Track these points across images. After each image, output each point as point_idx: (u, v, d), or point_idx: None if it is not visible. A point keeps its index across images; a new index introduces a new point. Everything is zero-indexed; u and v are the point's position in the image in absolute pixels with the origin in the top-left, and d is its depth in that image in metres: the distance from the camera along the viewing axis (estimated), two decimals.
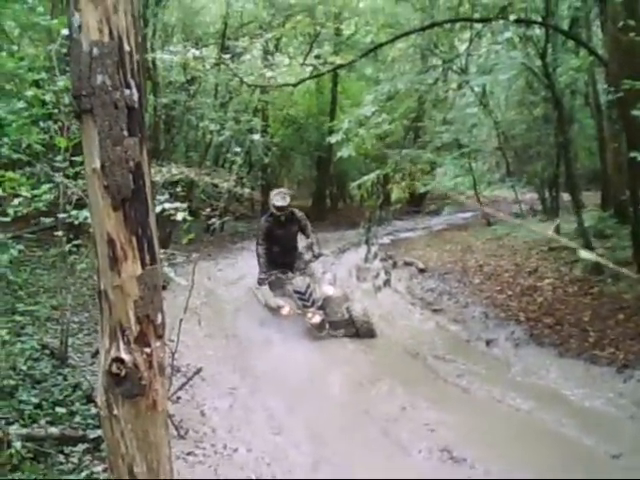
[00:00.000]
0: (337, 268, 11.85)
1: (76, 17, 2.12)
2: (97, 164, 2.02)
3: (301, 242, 9.40)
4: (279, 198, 8.92)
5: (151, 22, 15.35)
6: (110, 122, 2.06)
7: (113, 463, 2.16)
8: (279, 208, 8.84)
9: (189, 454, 4.91)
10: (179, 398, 6.07)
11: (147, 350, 2.06)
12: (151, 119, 15.94)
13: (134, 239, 2.04)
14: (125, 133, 2.07)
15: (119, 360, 2.01)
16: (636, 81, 6.50)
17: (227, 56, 10.29)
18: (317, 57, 11.77)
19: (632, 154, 6.57)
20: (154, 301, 2.11)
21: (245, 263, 9.82)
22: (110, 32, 2.13)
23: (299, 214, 9.21)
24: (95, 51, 2.09)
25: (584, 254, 1.67)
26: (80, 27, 2.11)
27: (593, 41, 12.96)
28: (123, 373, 2.01)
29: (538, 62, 10.93)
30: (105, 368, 2.05)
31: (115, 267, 2.02)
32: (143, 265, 2.06)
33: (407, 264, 12.18)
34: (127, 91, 2.11)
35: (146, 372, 2.05)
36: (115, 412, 2.05)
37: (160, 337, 2.13)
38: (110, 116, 2.06)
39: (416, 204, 21.86)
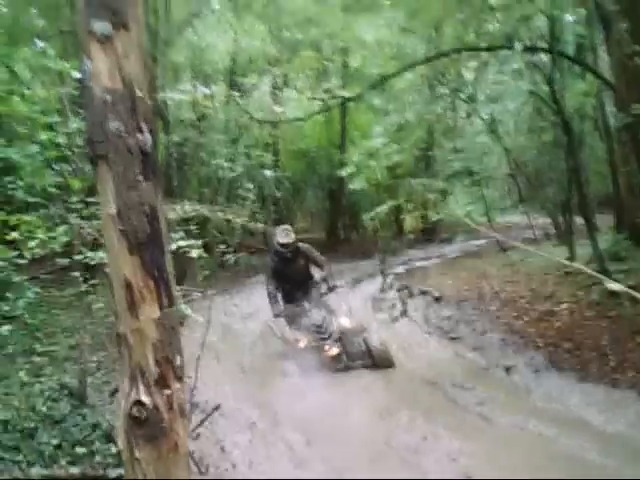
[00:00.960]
0: (352, 299, 11.83)
1: (88, 64, 2.17)
2: (113, 209, 2.06)
3: (315, 274, 9.40)
4: (283, 235, 8.88)
5: (160, 61, 15.56)
6: (124, 167, 2.10)
7: None
8: (284, 245, 8.84)
9: None
10: (199, 435, 6.05)
11: (167, 392, 2.07)
12: (163, 157, 16.09)
13: (151, 282, 2.07)
14: (140, 178, 2.11)
15: (139, 403, 2.03)
16: None
17: (236, 93, 10.41)
18: (325, 91, 11.87)
19: None
20: (173, 343, 2.13)
21: (259, 297, 9.81)
22: (122, 78, 2.17)
23: (304, 247, 9.19)
24: (108, 98, 2.14)
25: (613, 286, 1.68)
26: (92, 74, 2.15)
27: (600, 65, 13.01)
28: (144, 416, 2.02)
29: (545, 88, 10.99)
30: (126, 411, 2.06)
31: (133, 310, 2.05)
32: (161, 307, 2.09)
33: (422, 293, 12.14)
34: (140, 136, 2.15)
35: (167, 414, 2.06)
36: (137, 455, 2.06)
37: (180, 378, 2.15)
38: (124, 161, 2.10)
39: (429, 233, 21.85)
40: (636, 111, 6.53)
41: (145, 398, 2.04)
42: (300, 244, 9.11)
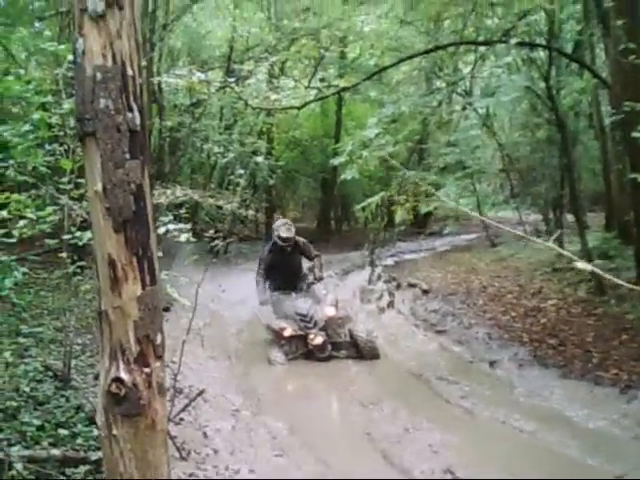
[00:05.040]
0: (341, 289, 11.87)
1: (80, 42, 2.17)
2: (99, 186, 2.06)
3: (304, 264, 9.45)
4: (284, 229, 8.99)
5: (157, 46, 15.51)
6: (112, 145, 2.10)
7: None
8: (285, 239, 8.93)
9: (191, 475, 4.88)
10: (182, 420, 6.05)
11: (147, 370, 2.08)
12: (156, 142, 16.06)
13: (135, 260, 2.07)
14: (127, 156, 2.11)
15: (118, 380, 2.03)
16: (638, 103, 6.54)
17: (232, 79, 10.37)
18: (322, 80, 11.85)
19: (633, 175, 6.59)
20: (154, 322, 2.13)
21: (248, 285, 9.83)
22: (113, 57, 2.18)
23: (302, 241, 9.29)
24: (98, 75, 2.14)
25: (580, 265, 1.69)
26: (84, 52, 2.15)
27: (597, 63, 13.03)
28: (122, 393, 2.03)
29: (542, 84, 11.00)
30: (105, 388, 2.07)
31: (116, 288, 2.05)
32: (143, 286, 2.09)
33: (411, 285, 12.18)
34: (129, 114, 2.15)
35: (145, 392, 2.07)
36: (114, 432, 2.07)
37: (160, 357, 2.15)
38: (112, 139, 2.10)
39: (420, 226, 21.87)
40: (628, 108, 6.54)
41: (124, 375, 2.05)
42: (299, 238, 9.23)
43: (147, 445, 2.12)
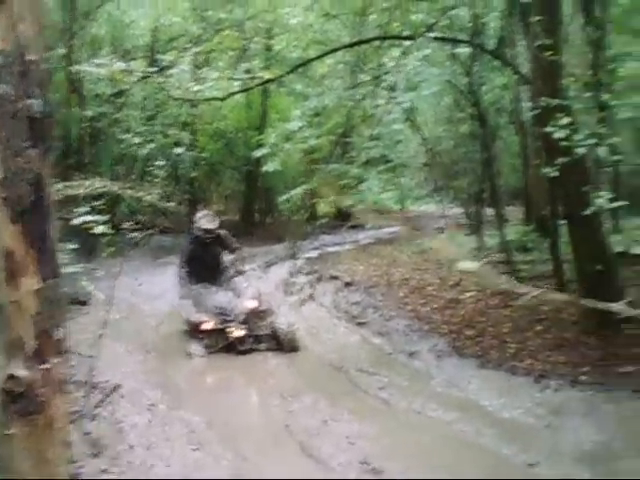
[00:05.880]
0: (264, 282, 11.81)
1: None
2: None
3: (226, 257, 9.39)
4: (207, 221, 8.89)
5: (79, 34, 15.11)
6: (10, 133, 2.01)
7: None
8: (208, 231, 8.84)
9: (104, 472, 4.77)
10: (96, 415, 5.92)
11: (45, 366, 2.00)
12: (76, 132, 15.65)
13: (33, 252, 1.99)
14: (27, 144, 2.03)
15: (14, 377, 1.95)
16: (555, 99, 6.69)
17: (154, 69, 10.17)
18: (247, 72, 11.74)
19: (546, 170, 6.75)
20: (54, 316, 2.06)
21: (169, 278, 9.71)
22: (14, 41, 2.08)
23: (223, 233, 9.21)
24: None
25: (464, 265, 1.70)
26: None
27: (518, 60, 13.29)
28: (19, 390, 1.95)
29: (464, 80, 11.18)
30: (0, 385, 1.98)
31: (12, 281, 1.97)
32: (43, 279, 2.01)
33: (333, 278, 12.23)
34: (29, 101, 2.07)
35: (43, 389, 1.99)
36: (11, 431, 1.99)
37: (60, 353, 2.08)
38: (10, 127, 2.02)
39: (343, 218, 21.93)
40: (544, 104, 6.68)
41: (21, 372, 1.97)
42: (221, 231, 9.15)
43: (45, 443, 2.04)
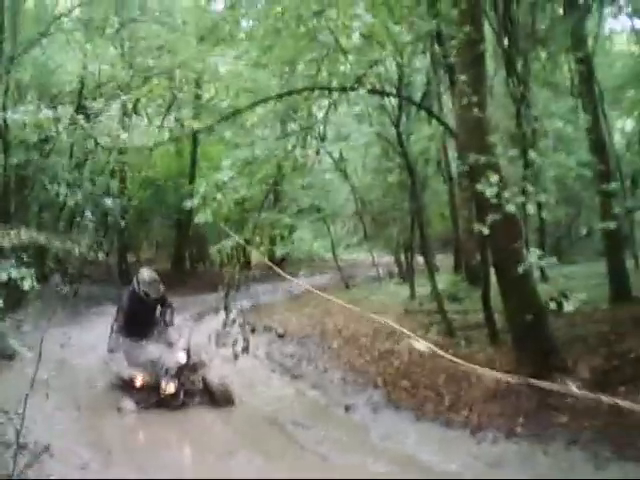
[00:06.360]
0: (196, 334, 11.59)
1: None
2: None
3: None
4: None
5: (4, 79, 14.81)
6: None
7: None
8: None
9: None
10: (26, 478, 5.62)
11: None
12: (0, 179, 15.25)
13: None
14: None
15: None
16: (481, 154, 6.82)
17: (81, 116, 10.01)
18: (176, 120, 11.67)
19: (477, 226, 6.86)
20: None
21: (99, 329, 9.47)
22: None
23: (166, 297, 9.31)
24: None
25: (417, 344, 1.65)
26: None
27: (444, 111, 13.57)
28: None
29: (392, 130, 11.32)
30: None
31: None
32: None
33: (266, 329, 12.11)
34: None
35: None
36: None
37: None
38: None
39: (276, 268, 21.79)
40: (472, 160, 6.81)
41: None
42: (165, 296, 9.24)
43: None
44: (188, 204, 9.17)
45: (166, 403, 8.00)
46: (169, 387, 8.01)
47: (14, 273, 5.66)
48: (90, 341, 11.07)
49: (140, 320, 8.90)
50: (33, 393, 5.41)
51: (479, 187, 6.50)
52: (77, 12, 17.95)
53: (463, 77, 7.25)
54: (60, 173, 15.60)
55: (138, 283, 9.00)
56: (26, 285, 5.64)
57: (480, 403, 7.16)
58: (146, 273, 9.26)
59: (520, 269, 6.66)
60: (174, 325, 9.24)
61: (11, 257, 6.60)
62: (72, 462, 6.25)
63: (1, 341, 7.78)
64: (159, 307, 9.27)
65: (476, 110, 6.97)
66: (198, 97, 18.89)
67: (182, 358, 8.42)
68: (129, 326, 8.88)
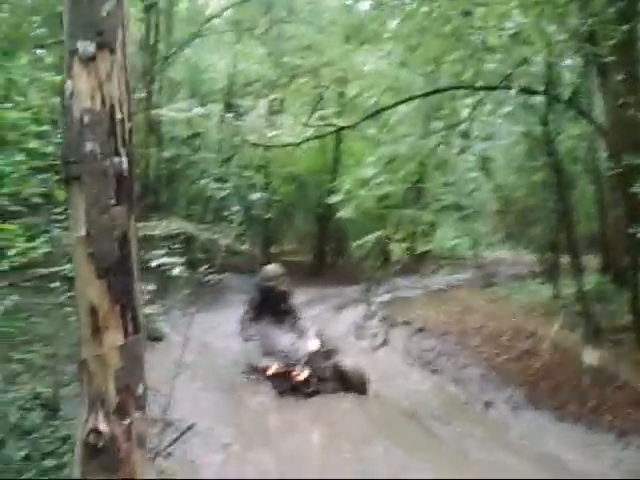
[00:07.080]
0: (335, 325, 11.81)
1: (69, 84, 2.15)
2: (82, 232, 2.02)
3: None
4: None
5: (158, 78, 15.59)
6: (98, 190, 2.06)
7: None
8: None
9: None
10: (170, 454, 5.95)
11: (126, 421, 2.03)
12: (153, 172, 16.06)
13: (117, 308, 2.03)
14: (112, 201, 2.08)
15: (96, 431, 1.98)
16: (635, 154, 6.57)
17: (230, 114, 10.41)
18: (321, 118, 11.88)
19: (631, 230, 6.63)
20: (135, 372, 2.08)
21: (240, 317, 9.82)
22: (102, 100, 2.15)
23: (289, 291, 9.55)
24: (86, 119, 2.11)
25: (587, 357, 1.66)
26: (72, 94, 2.13)
27: (595, 110, 13.06)
28: (100, 445, 1.97)
29: (539, 129, 11.04)
30: (82, 438, 2.01)
31: (97, 336, 2.01)
32: (126, 334, 2.05)
33: (405, 323, 12.09)
34: (117, 159, 2.13)
35: (124, 444, 2.01)
36: None
37: (141, 408, 2.10)
38: (98, 184, 2.07)
39: (415, 264, 21.77)
40: (627, 161, 6.58)
41: (103, 426, 1.99)
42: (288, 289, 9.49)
43: None
44: (332, 199, 9.34)
45: (298, 389, 8.16)
46: (301, 375, 8.21)
47: (165, 260, 5.97)
48: (233, 327, 11.49)
49: (269, 311, 9.26)
50: (179, 374, 5.73)
51: (634, 189, 6.29)
52: (227, 13, 18.58)
53: (618, 77, 7.03)
54: (208, 168, 16.23)
55: (263, 277, 9.33)
56: (176, 272, 5.93)
57: (625, 407, 6.93)
58: (270, 268, 9.58)
59: None
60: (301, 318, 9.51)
61: (162, 246, 6.94)
62: (214, 442, 6.54)
63: (151, 324, 8.24)
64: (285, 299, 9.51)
65: (632, 110, 6.73)
66: (342, 95, 19.10)
67: (314, 345, 8.62)
68: (260, 315, 9.27)
